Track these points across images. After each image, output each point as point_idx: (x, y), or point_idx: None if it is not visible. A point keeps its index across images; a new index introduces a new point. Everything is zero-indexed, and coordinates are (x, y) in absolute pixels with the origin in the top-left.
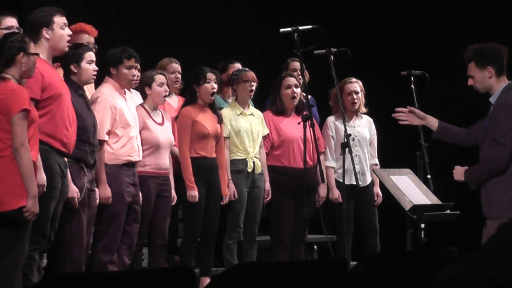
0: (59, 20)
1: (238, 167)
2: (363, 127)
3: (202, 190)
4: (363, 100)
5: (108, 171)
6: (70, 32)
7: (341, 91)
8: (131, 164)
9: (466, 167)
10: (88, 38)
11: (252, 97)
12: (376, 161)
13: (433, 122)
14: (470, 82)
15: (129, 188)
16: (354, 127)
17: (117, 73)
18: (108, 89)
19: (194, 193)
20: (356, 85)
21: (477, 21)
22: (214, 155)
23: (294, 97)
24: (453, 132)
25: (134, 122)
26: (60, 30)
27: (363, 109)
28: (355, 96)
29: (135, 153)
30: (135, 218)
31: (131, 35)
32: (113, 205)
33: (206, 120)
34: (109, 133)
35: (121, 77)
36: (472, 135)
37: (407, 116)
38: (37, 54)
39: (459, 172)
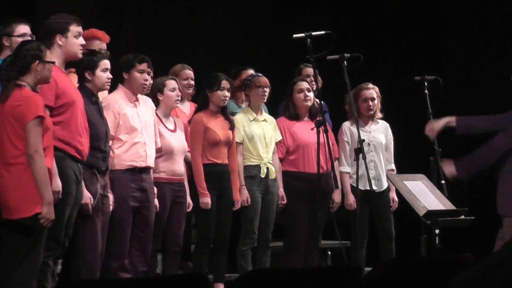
0: (75, 29)
1: (251, 173)
2: (379, 132)
3: (214, 197)
4: (379, 106)
5: (111, 176)
6: (84, 42)
7: (357, 97)
8: (137, 170)
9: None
10: (100, 44)
11: (265, 101)
12: (393, 166)
13: (450, 120)
14: None
15: (134, 193)
16: (370, 132)
17: (129, 78)
18: (115, 95)
19: (206, 200)
20: (372, 91)
21: (490, 27)
22: (226, 161)
23: (307, 100)
24: (473, 118)
25: (143, 128)
26: (74, 38)
27: (379, 115)
28: (371, 103)
29: (141, 159)
30: (146, 224)
31: (143, 41)
32: (116, 211)
33: (218, 126)
34: (112, 138)
35: (132, 81)
36: (497, 120)
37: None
38: (53, 63)
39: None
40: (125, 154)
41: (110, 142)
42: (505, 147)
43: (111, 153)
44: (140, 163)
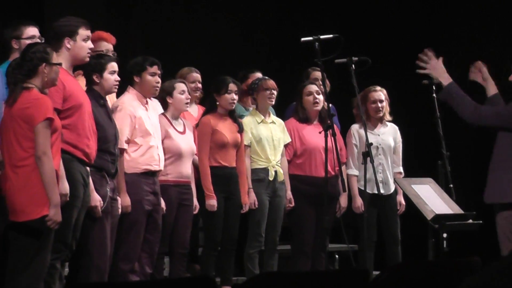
0: (83, 32)
1: (259, 176)
2: (388, 135)
3: (221, 199)
4: (388, 108)
5: (127, 180)
6: (92, 46)
7: (365, 99)
8: (151, 173)
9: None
10: (107, 45)
11: (273, 104)
12: (400, 169)
13: (491, 89)
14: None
15: (148, 197)
16: (379, 135)
17: (140, 81)
18: (128, 98)
19: (212, 202)
20: (380, 93)
21: (498, 32)
22: (234, 164)
23: (316, 103)
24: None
25: (155, 131)
26: (82, 42)
27: (388, 117)
28: (379, 105)
29: (155, 162)
30: (155, 227)
31: (150, 44)
32: (132, 214)
33: (226, 129)
34: (128, 141)
35: (144, 84)
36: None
37: (474, 72)
38: (60, 64)
39: (438, 67)
40: (141, 157)
41: (126, 146)
42: (490, 121)
43: (126, 156)
44: (154, 167)
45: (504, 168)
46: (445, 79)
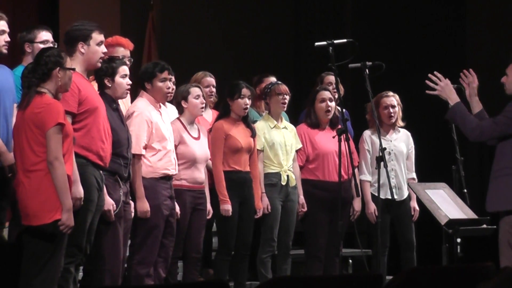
0: (97, 36)
1: (272, 181)
2: (400, 141)
3: (235, 204)
4: (400, 114)
5: (145, 185)
6: (105, 50)
7: (377, 105)
8: (167, 177)
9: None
10: (124, 51)
11: (285, 109)
12: (413, 175)
13: (476, 107)
14: (504, 79)
15: (166, 201)
16: (391, 141)
17: (152, 88)
18: (143, 103)
19: (227, 206)
20: (392, 99)
21: None
22: (247, 169)
23: (328, 111)
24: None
25: (170, 136)
26: (96, 46)
27: (400, 123)
28: (391, 110)
29: (172, 167)
30: (170, 231)
31: (166, 49)
32: (151, 218)
33: (239, 133)
34: (145, 147)
35: (156, 91)
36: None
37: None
38: (73, 69)
39: (447, 88)
40: (160, 162)
41: (143, 151)
42: (491, 132)
43: (145, 161)
44: (171, 171)
45: (507, 174)
46: (453, 100)
